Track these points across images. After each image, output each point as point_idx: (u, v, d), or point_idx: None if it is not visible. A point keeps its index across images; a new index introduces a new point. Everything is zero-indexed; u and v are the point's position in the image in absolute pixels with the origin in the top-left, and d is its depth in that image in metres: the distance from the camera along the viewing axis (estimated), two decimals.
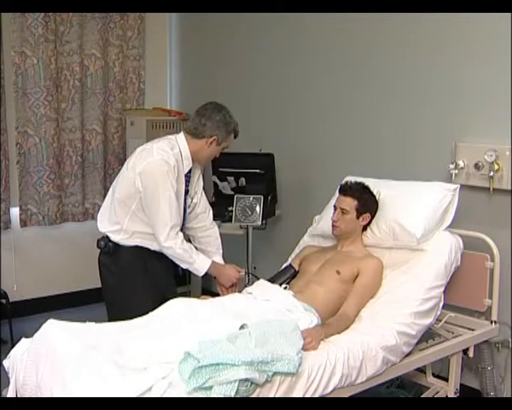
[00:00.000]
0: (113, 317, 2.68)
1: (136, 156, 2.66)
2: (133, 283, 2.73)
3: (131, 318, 2.33)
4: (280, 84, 4.05)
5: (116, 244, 2.71)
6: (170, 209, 2.58)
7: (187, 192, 2.77)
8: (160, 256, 2.71)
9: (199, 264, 2.70)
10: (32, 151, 4.24)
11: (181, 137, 2.72)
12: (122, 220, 2.66)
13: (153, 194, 2.58)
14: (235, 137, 2.79)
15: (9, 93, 4.12)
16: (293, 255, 3.04)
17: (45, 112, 4.23)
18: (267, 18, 3.99)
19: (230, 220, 3.46)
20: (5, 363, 2.15)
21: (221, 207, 3.81)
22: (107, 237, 2.72)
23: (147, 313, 2.34)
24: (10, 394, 2.08)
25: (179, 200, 2.67)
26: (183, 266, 2.70)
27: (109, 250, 2.73)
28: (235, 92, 4.40)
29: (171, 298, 2.41)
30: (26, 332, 2.26)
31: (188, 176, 2.75)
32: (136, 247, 2.70)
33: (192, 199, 2.86)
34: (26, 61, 4.14)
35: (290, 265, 2.88)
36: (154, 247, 2.69)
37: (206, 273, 2.77)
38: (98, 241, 2.76)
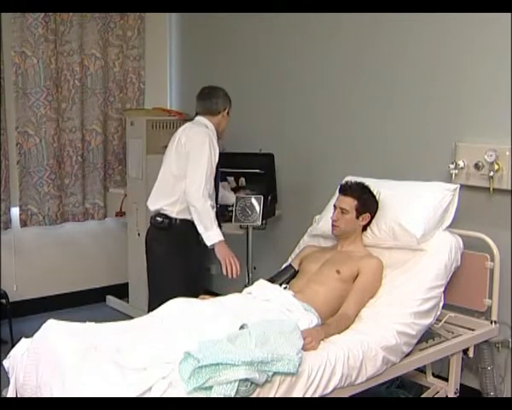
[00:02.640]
0: (154, 292, 3.15)
1: (184, 135, 3.10)
2: (186, 252, 3.10)
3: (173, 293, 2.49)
4: (280, 85, 4.05)
5: (171, 219, 3.08)
6: (207, 172, 2.97)
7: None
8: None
9: (214, 233, 2.99)
10: (33, 151, 4.24)
11: (201, 118, 3.18)
12: (178, 193, 3.05)
13: (197, 152, 3.00)
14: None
15: (9, 93, 4.12)
16: (293, 255, 3.04)
17: (45, 112, 4.23)
18: (267, 18, 3.99)
19: (230, 220, 3.46)
20: (5, 363, 2.15)
21: (221, 207, 3.81)
22: (162, 213, 3.10)
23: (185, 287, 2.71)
24: (10, 394, 2.08)
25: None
26: (200, 228, 2.98)
27: (165, 225, 3.09)
28: (236, 92, 4.38)
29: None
30: (26, 332, 2.26)
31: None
32: (191, 221, 3.02)
33: None
34: (26, 61, 4.14)
35: (290, 265, 2.89)
36: None
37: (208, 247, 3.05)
38: (152, 217, 3.17)
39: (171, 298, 2.39)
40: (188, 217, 3.05)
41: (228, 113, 3.23)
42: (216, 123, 3.18)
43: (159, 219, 3.12)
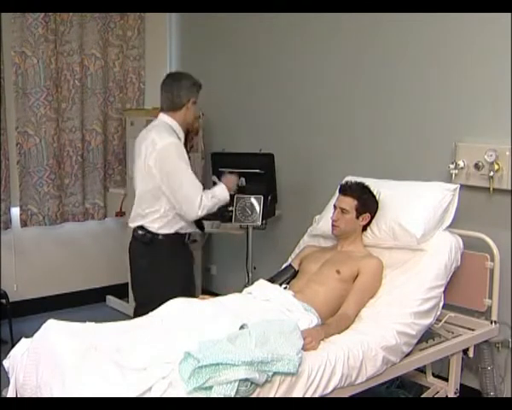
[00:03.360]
0: (138, 304, 3.03)
1: (149, 154, 2.86)
2: (170, 267, 2.96)
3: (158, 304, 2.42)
4: (280, 85, 4.05)
5: (153, 234, 2.94)
6: (192, 181, 2.86)
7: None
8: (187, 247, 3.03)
9: (221, 193, 2.97)
10: (33, 151, 4.24)
11: (164, 117, 2.96)
12: (157, 212, 2.91)
13: (172, 173, 2.84)
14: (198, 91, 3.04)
15: (9, 93, 4.12)
16: (293, 255, 3.04)
17: (45, 112, 4.23)
18: (267, 18, 3.99)
19: (230, 220, 3.46)
20: (5, 363, 2.15)
21: (221, 207, 3.81)
22: (144, 227, 2.97)
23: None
24: (10, 394, 2.08)
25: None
26: (216, 207, 2.97)
27: (147, 239, 2.96)
28: (236, 92, 4.40)
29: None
30: (26, 332, 2.26)
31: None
32: (174, 235, 2.93)
33: None
34: (26, 61, 4.14)
35: (290, 265, 2.88)
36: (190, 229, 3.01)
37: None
38: (134, 229, 3.03)
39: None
40: (171, 231, 2.94)
41: (195, 102, 2.98)
42: (181, 119, 2.96)
43: (140, 232, 2.98)
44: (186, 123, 3.00)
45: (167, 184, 2.84)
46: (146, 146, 2.88)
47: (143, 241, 2.97)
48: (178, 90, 2.92)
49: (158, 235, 2.94)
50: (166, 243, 2.95)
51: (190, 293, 2.82)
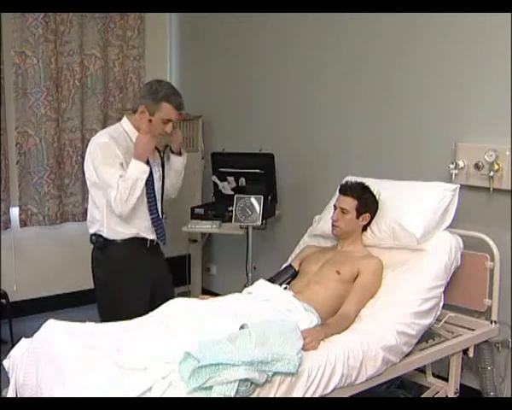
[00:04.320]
0: (104, 316, 2.73)
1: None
2: (122, 278, 2.76)
3: (121, 317, 2.34)
4: (280, 85, 4.05)
5: (106, 239, 2.75)
6: (110, 176, 2.61)
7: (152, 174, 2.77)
8: (152, 251, 2.80)
9: (133, 170, 2.64)
10: (32, 151, 4.24)
11: (123, 119, 2.80)
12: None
13: (97, 173, 2.66)
14: (176, 108, 2.72)
15: (9, 93, 4.12)
16: (293, 255, 3.04)
17: (45, 112, 4.23)
18: (267, 18, 3.99)
19: (230, 220, 3.46)
20: (5, 363, 2.15)
21: (221, 207, 3.81)
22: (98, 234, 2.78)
23: (139, 312, 2.36)
24: (10, 394, 2.08)
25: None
26: (138, 188, 2.64)
27: (100, 245, 2.77)
28: (235, 92, 4.40)
29: (168, 296, 2.47)
30: (26, 332, 2.26)
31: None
32: (127, 240, 2.74)
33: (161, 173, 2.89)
34: (26, 61, 4.14)
35: (290, 265, 2.88)
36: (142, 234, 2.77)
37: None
38: (90, 236, 2.82)
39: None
40: (123, 237, 2.73)
41: (151, 114, 2.67)
42: (134, 124, 2.75)
43: (93, 237, 2.79)
44: (139, 129, 2.73)
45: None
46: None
47: (98, 247, 2.80)
48: (139, 92, 2.82)
49: (112, 241, 2.75)
50: (122, 253, 2.76)
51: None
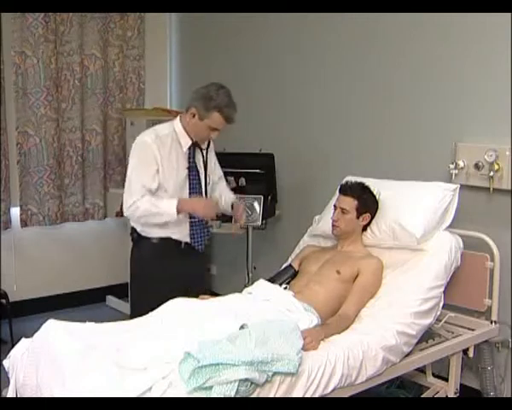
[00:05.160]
0: (132, 310, 2.90)
1: None
2: (148, 276, 2.82)
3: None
4: (280, 85, 4.05)
5: (139, 235, 2.81)
6: (135, 180, 2.67)
7: (191, 169, 2.78)
8: (186, 251, 2.80)
9: (166, 206, 2.66)
10: (33, 151, 4.24)
11: (178, 118, 2.80)
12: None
13: (128, 169, 2.74)
14: (225, 120, 2.69)
15: (9, 93, 4.12)
16: (293, 255, 3.04)
17: (45, 112, 4.23)
18: (267, 18, 3.99)
19: (230, 220, 3.46)
20: (5, 363, 2.15)
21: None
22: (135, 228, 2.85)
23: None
24: (10, 394, 2.08)
25: (177, 175, 2.73)
26: (157, 219, 2.69)
27: (134, 239, 2.86)
28: (235, 92, 4.37)
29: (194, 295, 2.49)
30: (26, 332, 2.26)
31: (190, 153, 2.77)
32: (159, 239, 2.76)
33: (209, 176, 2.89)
34: (26, 61, 4.14)
35: (290, 265, 2.88)
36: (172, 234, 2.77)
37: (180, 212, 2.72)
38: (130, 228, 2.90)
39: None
40: (156, 235, 2.76)
41: (200, 119, 2.67)
42: (184, 124, 2.75)
43: (131, 230, 2.87)
44: (188, 133, 2.75)
45: None
46: None
47: (132, 238, 2.88)
48: (194, 92, 2.73)
49: (139, 236, 2.82)
50: (146, 250, 2.81)
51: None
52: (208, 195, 2.87)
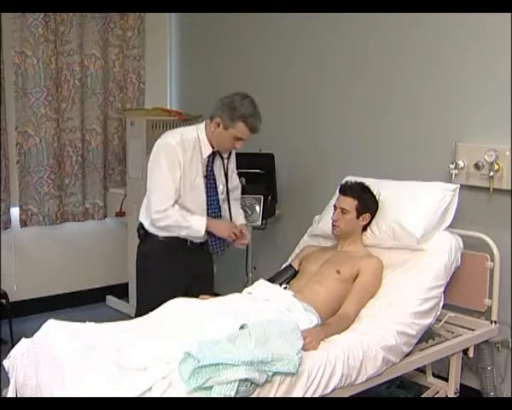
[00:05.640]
0: (137, 306, 2.91)
1: None
2: (150, 274, 2.84)
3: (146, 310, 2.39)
4: (280, 84, 4.05)
5: (146, 232, 2.82)
6: (163, 185, 2.68)
7: (209, 177, 2.80)
8: (194, 250, 2.81)
9: (196, 224, 2.72)
10: (33, 151, 4.24)
11: (202, 124, 2.80)
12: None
13: (150, 169, 2.74)
14: (250, 130, 2.69)
15: (9, 93, 4.11)
16: (293, 255, 3.04)
17: (45, 112, 4.22)
18: (267, 18, 3.99)
19: (230, 220, 3.45)
20: (5, 363, 2.15)
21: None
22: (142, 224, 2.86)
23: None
24: (10, 394, 2.08)
25: (193, 181, 2.74)
26: (183, 232, 2.73)
27: (140, 236, 2.87)
28: (235, 92, 4.39)
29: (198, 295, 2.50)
30: (26, 332, 2.26)
31: (209, 161, 2.78)
32: (166, 238, 2.77)
33: (224, 185, 2.90)
34: (26, 61, 4.14)
35: (290, 265, 2.88)
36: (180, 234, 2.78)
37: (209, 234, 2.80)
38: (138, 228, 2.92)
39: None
40: (161, 234, 2.77)
41: (225, 128, 2.67)
42: (208, 132, 2.75)
43: (139, 225, 2.89)
44: (212, 142, 2.75)
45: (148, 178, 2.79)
46: None
47: (139, 235, 2.90)
48: (219, 100, 2.72)
49: (147, 233, 2.84)
50: (152, 246, 2.83)
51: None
52: (221, 203, 2.88)
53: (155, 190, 2.73)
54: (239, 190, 3.09)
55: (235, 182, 3.03)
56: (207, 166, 2.80)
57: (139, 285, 2.95)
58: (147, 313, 2.38)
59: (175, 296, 2.41)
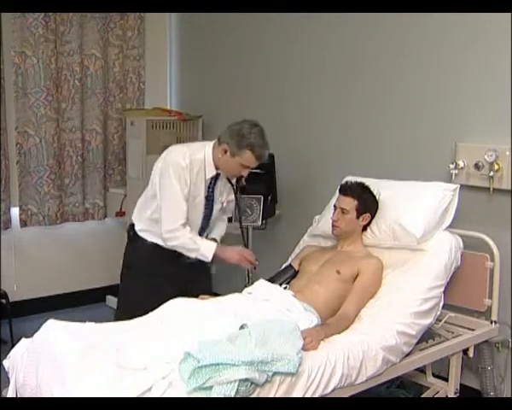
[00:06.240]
0: (119, 309, 2.89)
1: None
2: (134, 281, 2.83)
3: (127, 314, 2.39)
4: (280, 84, 4.05)
5: (135, 233, 2.83)
6: (174, 204, 2.67)
7: (209, 198, 2.81)
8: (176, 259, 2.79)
9: (205, 248, 2.72)
10: (33, 151, 4.24)
11: (211, 143, 2.77)
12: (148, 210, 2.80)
13: (161, 187, 2.71)
14: (257, 158, 2.69)
15: (9, 93, 4.11)
16: (293, 255, 3.04)
17: (45, 112, 4.22)
18: (267, 18, 3.99)
19: (230, 220, 3.46)
20: (5, 363, 2.15)
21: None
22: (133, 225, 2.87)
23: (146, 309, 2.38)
24: (10, 394, 2.08)
25: (194, 200, 2.75)
26: (191, 254, 2.73)
27: (130, 237, 2.88)
28: (235, 92, 4.40)
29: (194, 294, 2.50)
30: (26, 332, 2.26)
31: (211, 182, 2.79)
32: (152, 244, 2.79)
33: (222, 204, 2.90)
34: (26, 61, 4.14)
35: (290, 265, 2.88)
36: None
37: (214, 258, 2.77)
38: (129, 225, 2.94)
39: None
40: (150, 239, 2.80)
41: (232, 155, 2.65)
42: (214, 156, 2.73)
43: (129, 226, 2.89)
44: (218, 166, 2.73)
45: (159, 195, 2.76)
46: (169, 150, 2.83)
47: (128, 236, 2.91)
48: (228, 127, 2.70)
49: (138, 236, 2.84)
50: (144, 250, 2.83)
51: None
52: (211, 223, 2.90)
53: (165, 210, 2.71)
54: (228, 207, 3.02)
55: (230, 198, 2.98)
56: (209, 187, 2.81)
57: (122, 290, 2.93)
58: (126, 319, 2.36)
59: (158, 306, 2.39)
